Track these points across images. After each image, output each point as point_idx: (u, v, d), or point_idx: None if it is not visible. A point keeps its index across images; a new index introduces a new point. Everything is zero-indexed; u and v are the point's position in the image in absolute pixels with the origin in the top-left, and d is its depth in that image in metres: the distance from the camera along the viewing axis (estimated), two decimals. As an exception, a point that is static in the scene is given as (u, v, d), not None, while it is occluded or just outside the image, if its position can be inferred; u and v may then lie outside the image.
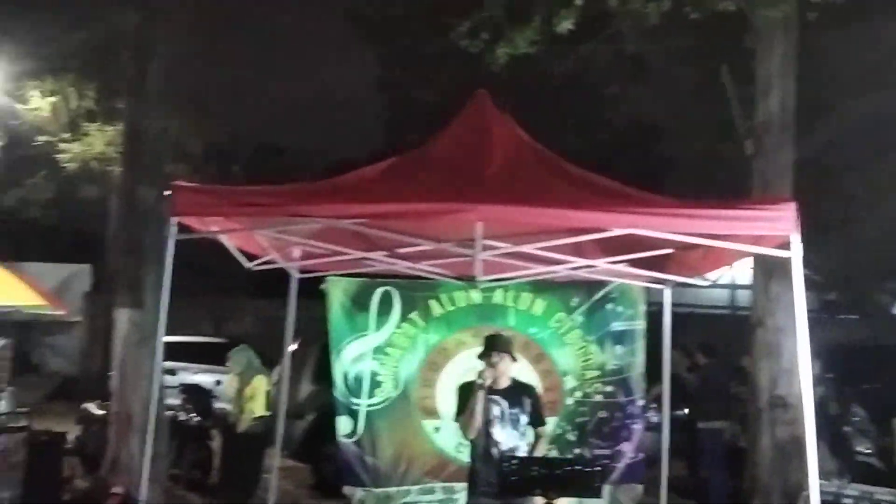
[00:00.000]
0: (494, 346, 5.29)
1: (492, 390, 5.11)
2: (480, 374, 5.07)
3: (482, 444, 5.03)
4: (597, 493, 4.84)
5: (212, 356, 15.17)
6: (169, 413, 9.37)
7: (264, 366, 11.19)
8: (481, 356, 5.34)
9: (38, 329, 19.00)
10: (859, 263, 16.96)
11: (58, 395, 16.95)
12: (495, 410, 5.17)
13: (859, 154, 14.77)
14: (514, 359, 5.40)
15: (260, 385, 8.80)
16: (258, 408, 8.73)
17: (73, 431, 9.40)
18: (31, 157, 16.04)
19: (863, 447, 8.99)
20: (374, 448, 8.72)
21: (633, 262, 6.41)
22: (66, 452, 8.67)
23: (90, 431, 9.68)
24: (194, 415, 9.62)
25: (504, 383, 5.27)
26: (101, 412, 9.55)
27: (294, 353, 9.08)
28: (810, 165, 10.49)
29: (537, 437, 5.38)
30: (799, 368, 4.71)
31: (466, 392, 5.22)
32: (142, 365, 8.42)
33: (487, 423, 5.13)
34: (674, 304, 8.10)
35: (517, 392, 5.32)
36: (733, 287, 20.20)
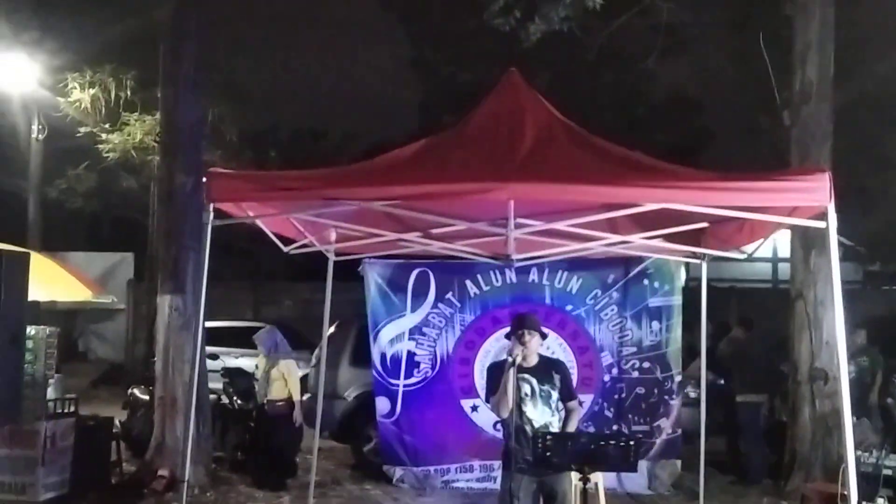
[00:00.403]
0: (523, 325, 5.30)
1: (521, 369, 5.12)
2: (510, 353, 5.09)
3: (515, 423, 5.05)
4: (632, 468, 4.85)
5: (252, 341, 15.41)
6: (212, 396, 9.53)
7: (299, 349, 11.37)
8: (509, 335, 5.36)
9: (83, 317, 19.42)
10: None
11: (104, 381, 17.33)
12: (526, 388, 5.18)
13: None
14: (543, 336, 5.40)
15: (287, 368, 8.80)
16: (284, 390, 8.76)
17: (119, 416, 9.61)
18: (73, 148, 16.36)
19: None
20: (412, 427, 8.85)
21: (667, 237, 6.35)
22: (113, 437, 8.85)
23: (136, 416, 9.89)
24: (236, 398, 9.76)
25: (533, 361, 5.28)
26: (146, 397, 9.75)
27: (332, 335, 9.19)
28: (850, 135, 10.30)
29: (568, 411, 5.38)
30: (837, 340, 4.65)
31: (496, 372, 5.25)
32: (184, 350, 8.58)
33: (519, 401, 5.13)
34: (714, 279, 8.07)
35: (546, 368, 5.33)
36: (775, 260, 19.93)
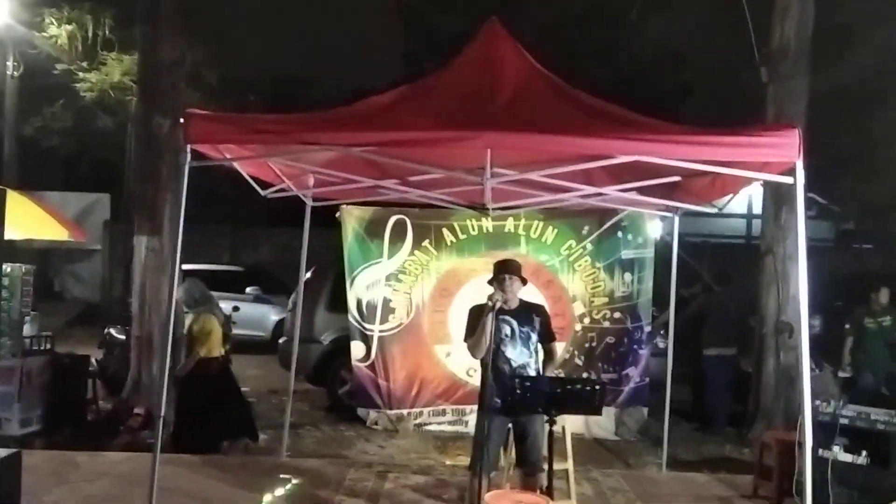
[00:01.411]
0: (505, 269, 5.40)
1: (502, 311, 5.22)
2: (491, 297, 5.19)
3: (493, 363, 5.17)
4: (597, 412, 5.00)
5: (229, 284, 15.48)
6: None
7: (276, 293, 11.21)
8: (492, 280, 5.44)
9: (59, 257, 19.35)
10: (877, 193, 16.84)
11: (80, 322, 17.34)
12: (506, 329, 5.29)
13: (880, 83, 14.55)
14: (524, 281, 5.49)
15: (209, 325, 7.67)
16: (207, 348, 7.64)
17: (95, 355, 9.67)
18: (50, 86, 16.12)
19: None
20: (386, 372, 9.01)
21: (641, 190, 6.44)
22: (89, 374, 8.93)
23: (112, 355, 9.98)
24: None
25: (514, 304, 5.39)
26: (122, 336, 9.82)
27: (309, 280, 9.26)
28: (829, 95, 10.39)
29: (547, 352, 5.51)
30: (799, 295, 4.79)
31: (477, 313, 5.35)
32: (160, 290, 8.63)
33: (499, 342, 5.24)
34: (689, 234, 8.17)
35: (527, 311, 5.45)
36: (749, 216, 20.16)
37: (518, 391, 4.87)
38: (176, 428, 7.65)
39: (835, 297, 10.18)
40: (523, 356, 5.37)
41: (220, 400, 7.76)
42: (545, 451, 5.54)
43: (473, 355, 5.44)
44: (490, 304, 5.11)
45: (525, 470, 5.41)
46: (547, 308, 5.94)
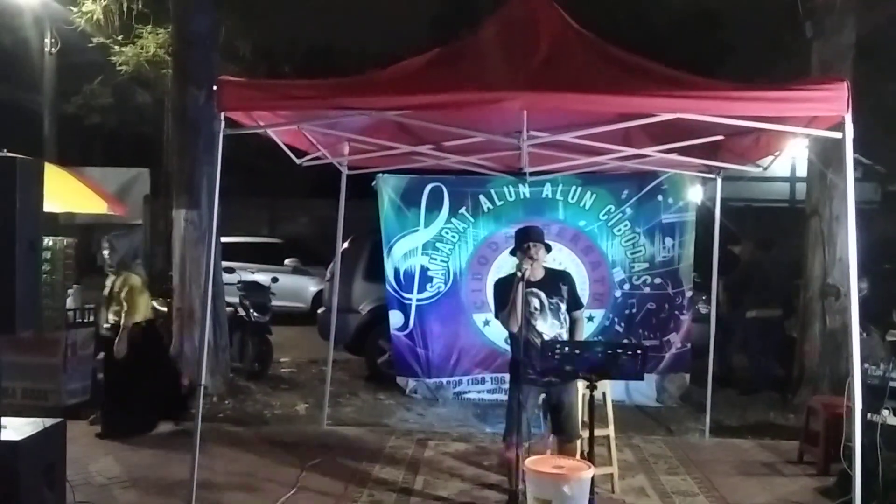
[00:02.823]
0: (528, 237, 5.28)
1: (529, 283, 5.13)
2: (518, 268, 5.10)
3: (524, 336, 5.09)
4: (639, 377, 4.91)
5: (268, 256, 15.60)
6: (229, 309, 9.68)
7: (314, 264, 11.04)
8: (514, 251, 5.35)
9: (101, 232, 19.55)
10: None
11: (124, 295, 17.55)
12: (535, 303, 5.20)
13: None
14: (548, 248, 5.39)
15: (135, 285, 7.14)
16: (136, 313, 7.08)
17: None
18: (87, 63, 16.21)
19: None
20: (425, 340, 8.99)
21: (682, 151, 6.30)
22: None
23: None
24: (253, 310, 9.91)
25: (539, 274, 5.27)
26: (164, 309, 9.91)
27: (346, 250, 9.26)
28: (874, 52, 10.05)
29: (573, 321, 5.40)
30: (849, 253, 4.64)
31: (503, 287, 5.26)
32: (200, 262, 8.65)
33: (529, 315, 5.14)
34: (730, 199, 8.01)
35: (553, 281, 5.33)
36: (793, 180, 19.75)
37: (553, 357, 4.79)
38: (103, 411, 7.12)
39: (882, 260, 9.91)
40: (554, 328, 5.27)
41: (145, 373, 7.08)
42: (582, 419, 5.51)
43: (508, 329, 5.36)
44: (518, 274, 5.03)
45: (561, 438, 5.35)
46: (579, 279, 5.80)
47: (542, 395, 5.38)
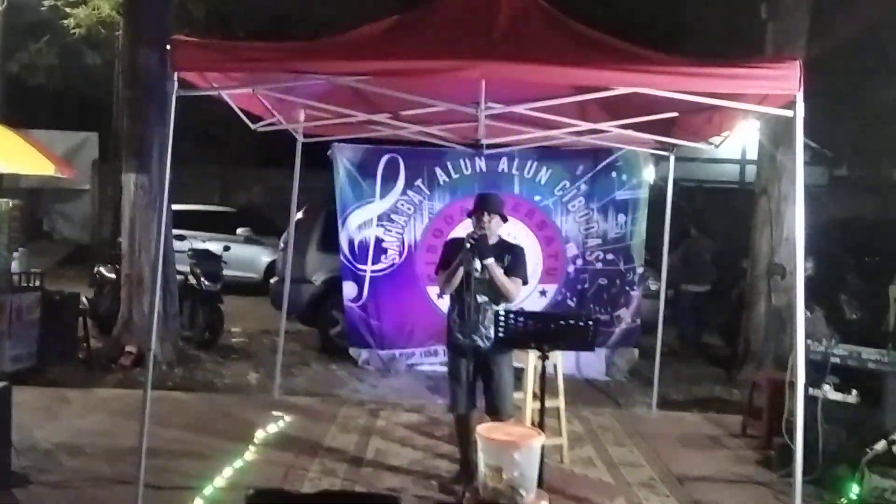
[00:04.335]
0: (483, 206, 5.28)
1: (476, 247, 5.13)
2: (470, 235, 5.11)
3: (459, 297, 5.13)
4: (590, 347, 4.97)
5: (220, 225, 15.39)
6: (179, 277, 9.54)
7: (268, 234, 10.78)
8: (471, 214, 5.35)
9: (47, 197, 19.17)
10: (871, 138, 16.71)
11: (69, 261, 17.25)
12: (476, 264, 5.13)
13: (883, 25, 14.29)
14: (504, 219, 5.38)
15: None
16: None
17: (85, 294, 9.61)
18: (36, 22, 15.76)
19: (854, 313, 9.20)
20: (378, 312, 9.00)
21: (637, 127, 6.35)
22: (80, 312, 8.87)
23: (103, 293, 9.93)
24: (204, 279, 9.79)
25: (492, 241, 5.25)
26: (112, 275, 9.75)
27: (301, 220, 9.18)
28: (825, 37, 10.21)
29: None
30: (795, 232, 4.74)
31: (452, 248, 5.27)
32: (150, 228, 8.53)
33: (468, 276, 5.10)
34: (682, 179, 8.11)
35: (501, 251, 5.29)
36: (743, 162, 20.06)
37: (510, 325, 4.81)
38: None
39: (827, 242, 10.16)
40: (488, 294, 5.23)
41: None
42: (534, 390, 5.55)
43: (441, 290, 5.39)
44: (467, 244, 5.03)
45: (493, 417, 5.16)
46: (532, 254, 5.74)
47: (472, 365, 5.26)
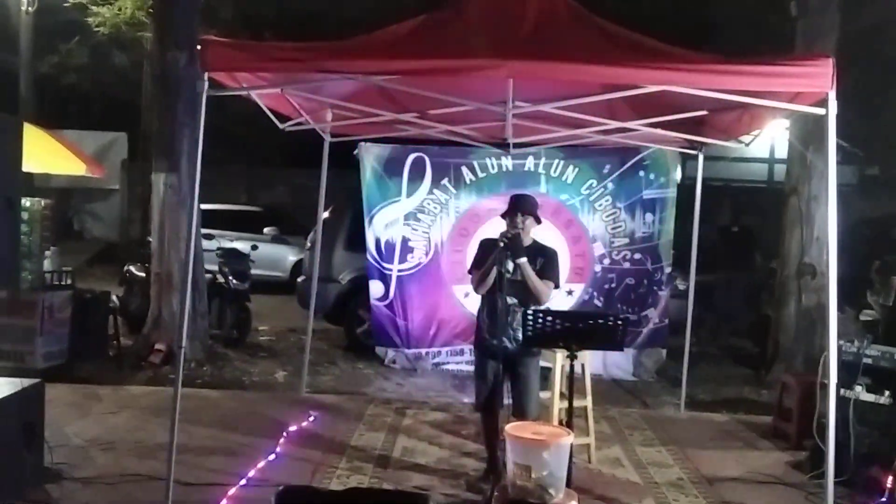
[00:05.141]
0: (517, 207, 5.28)
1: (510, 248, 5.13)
2: (503, 235, 5.11)
3: (491, 299, 5.12)
4: (618, 347, 4.95)
5: (247, 224, 15.50)
6: (208, 276, 9.62)
7: (294, 234, 10.80)
8: (505, 214, 5.35)
9: (77, 196, 19.39)
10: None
11: (99, 260, 17.42)
12: (509, 265, 5.13)
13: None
14: (538, 220, 5.38)
15: None
16: None
17: (115, 292, 9.72)
18: (65, 23, 15.96)
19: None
20: (405, 311, 9.01)
21: (666, 126, 6.31)
22: (110, 310, 8.95)
23: (132, 292, 10.02)
24: (232, 277, 9.86)
25: (526, 242, 5.25)
26: (142, 274, 9.84)
27: (327, 219, 9.22)
28: (855, 33, 10.09)
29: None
30: (828, 231, 4.68)
31: (487, 248, 5.28)
32: (179, 227, 8.61)
33: (500, 277, 5.10)
34: (709, 178, 8.04)
35: (534, 253, 5.28)
36: (771, 161, 19.87)
37: (539, 324, 4.79)
38: None
39: (857, 242, 10.04)
40: (520, 295, 5.22)
41: None
42: (561, 389, 5.54)
43: (475, 289, 5.40)
44: (501, 244, 5.03)
45: (519, 417, 5.13)
46: (560, 254, 5.71)
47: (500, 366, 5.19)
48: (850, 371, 5.71)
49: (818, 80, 4.33)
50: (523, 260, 5.13)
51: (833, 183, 4.60)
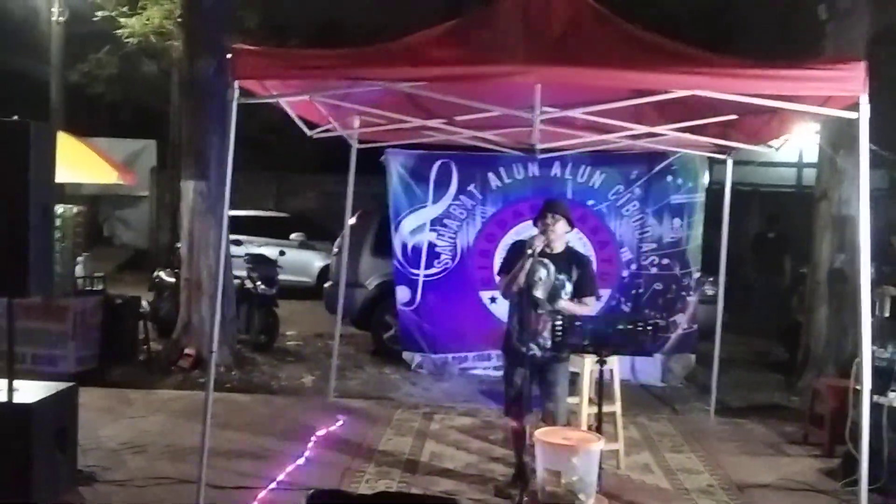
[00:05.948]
0: (551, 209, 5.27)
1: (543, 253, 5.13)
2: (532, 239, 5.10)
3: (520, 303, 5.11)
4: (649, 352, 4.94)
5: (274, 230, 15.61)
6: (236, 282, 9.70)
7: (321, 239, 10.80)
8: (536, 220, 5.33)
9: (107, 203, 19.64)
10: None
11: (129, 267, 17.65)
12: (541, 272, 5.14)
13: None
14: (571, 225, 5.35)
15: None
16: None
17: (145, 298, 9.83)
18: (95, 33, 16.17)
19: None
20: (431, 316, 9.03)
21: (694, 130, 6.28)
22: (141, 316, 9.08)
23: (162, 297, 10.13)
24: (260, 283, 9.94)
25: (558, 248, 5.23)
26: (171, 279, 9.95)
27: (354, 225, 9.26)
28: (886, 39, 9.97)
29: (580, 303, 5.24)
30: (860, 238, 4.62)
31: (517, 250, 5.27)
32: (208, 234, 8.69)
33: (531, 283, 5.11)
34: (737, 183, 7.97)
35: (569, 259, 5.26)
36: (800, 165, 19.67)
37: (568, 329, 4.79)
38: None
39: (887, 245, 9.91)
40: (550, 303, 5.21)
41: None
42: (590, 395, 5.53)
43: (503, 293, 5.39)
44: (530, 251, 5.02)
45: (547, 423, 5.11)
46: (594, 262, 5.69)
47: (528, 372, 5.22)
48: (882, 377, 5.63)
49: (850, 83, 4.29)
50: (562, 303, 5.12)
51: (866, 187, 4.55)
